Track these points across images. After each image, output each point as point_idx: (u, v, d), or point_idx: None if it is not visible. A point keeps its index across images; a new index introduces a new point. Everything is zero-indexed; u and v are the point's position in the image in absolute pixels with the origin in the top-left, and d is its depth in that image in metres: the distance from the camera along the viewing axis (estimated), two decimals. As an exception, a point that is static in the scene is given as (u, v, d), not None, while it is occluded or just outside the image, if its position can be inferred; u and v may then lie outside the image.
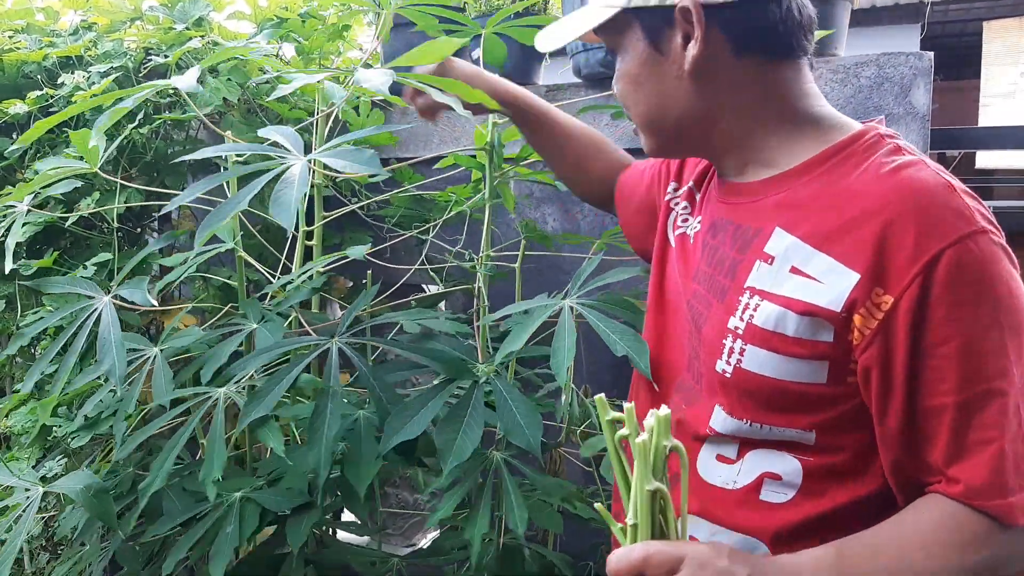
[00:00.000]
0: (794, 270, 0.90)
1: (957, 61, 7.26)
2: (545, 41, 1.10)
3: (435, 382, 1.34)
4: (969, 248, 0.81)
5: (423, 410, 1.26)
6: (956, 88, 7.09)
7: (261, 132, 1.38)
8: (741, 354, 0.94)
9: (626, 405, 0.79)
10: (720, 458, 1.00)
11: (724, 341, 0.96)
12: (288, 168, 1.22)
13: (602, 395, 0.83)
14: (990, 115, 6.21)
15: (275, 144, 1.31)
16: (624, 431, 0.80)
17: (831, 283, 0.86)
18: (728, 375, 0.95)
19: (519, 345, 1.25)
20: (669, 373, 1.12)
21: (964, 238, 0.81)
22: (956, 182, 0.86)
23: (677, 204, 1.18)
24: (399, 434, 1.23)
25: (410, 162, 2.00)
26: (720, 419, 0.98)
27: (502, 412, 1.27)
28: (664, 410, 0.79)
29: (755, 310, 0.93)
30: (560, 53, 2.24)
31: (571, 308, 1.30)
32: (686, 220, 1.14)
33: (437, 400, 1.28)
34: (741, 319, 0.94)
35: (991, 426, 0.81)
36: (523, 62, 2.16)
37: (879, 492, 0.91)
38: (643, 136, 1.07)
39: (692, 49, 0.93)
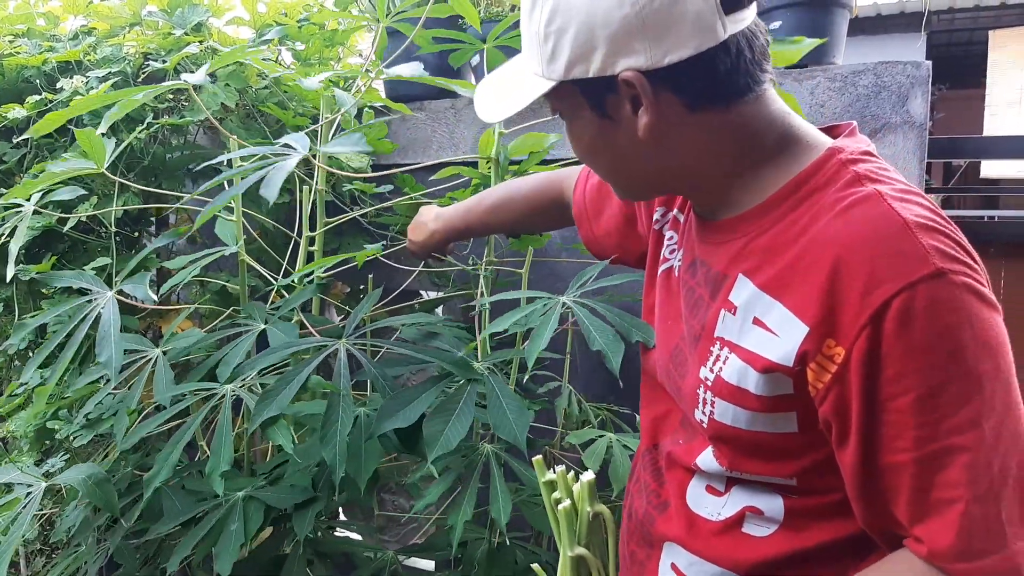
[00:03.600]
0: (756, 321, 0.86)
1: (963, 70, 7.27)
2: (488, 113, 1.00)
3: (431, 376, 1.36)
4: (920, 293, 0.74)
5: (417, 400, 1.28)
6: (962, 97, 7.12)
7: (283, 140, 1.46)
8: (712, 406, 0.91)
9: (559, 468, 0.78)
10: (710, 489, 0.99)
11: (698, 391, 0.94)
12: (287, 160, 1.36)
13: (539, 456, 0.83)
14: (996, 124, 6.22)
15: (287, 146, 1.43)
16: (557, 494, 0.79)
17: (785, 336, 0.82)
18: (704, 425, 0.94)
19: (503, 327, 1.29)
20: (659, 400, 1.12)
21: (916, 283, 0.74)
22: (917, 215, 0.79)
23: (665, 231, 1.13)
24: (391, 420, 1.25)
25: (409, 168, 2.00)
26: (707, 460, 0.97)
27: (492, 406, 1.28)
28: (589, 475, 0.77)
29: (724, 363, 0.90)
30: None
31: (562, 303, 1.32)
32: (672, 251, 1.10)
33: (432, 392, 1.30)
34: (711, 370, 0.91)
35: (955, 484, 0.75)
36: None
37: (863, 533, 0.87)
38: (612, 187, 1.04)
39: (643, 117, 0.87)
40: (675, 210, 1.12)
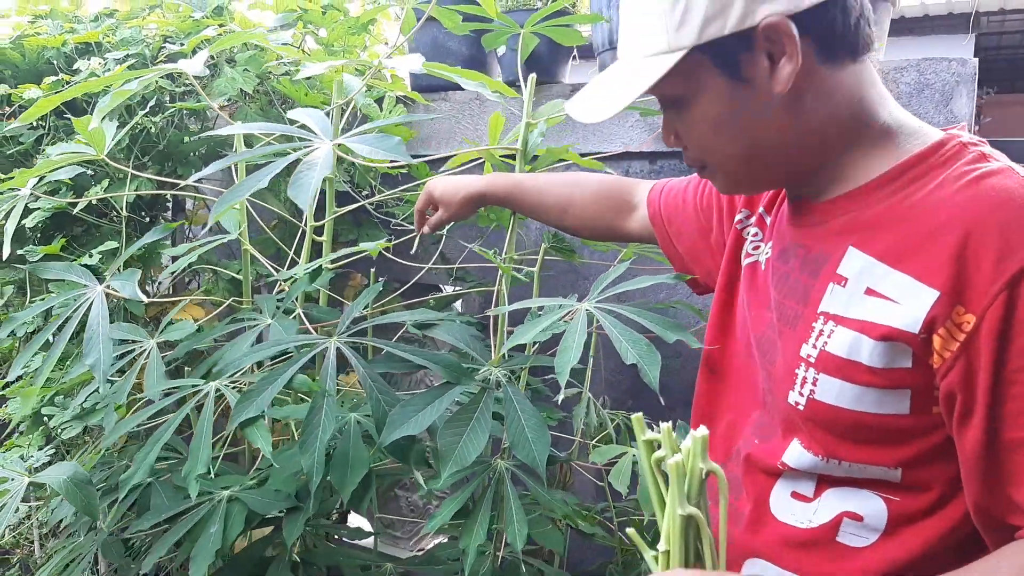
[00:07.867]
0: (869, 291, 0.84)
1: (1013, 74, 7.09)
2: (588, 112, 0.95)
3: (439, 383, 1.28)
4: None
5: (428, 408, 1.21)
6: (1011, 102, 6.92)
7: (290, 114, 1.36)
8: (814, 384, 0.88)
9: (663, 425, 0.73)
10: (796, 495, 0.94)
11: (796, 371, 0.90)
12: (312, 151, 1.23)
13: (640, 414, 0.78)
14: (1045, 129, 6.04)
15: (304, 127, 1.32)
16: (661, 453, 0.74)
17: (908, 302, 0.79)
18: (801, 407, 0.89)
19: (528, 338, 1.19)
20: (728, 408, 1.08)
21: None
22: None
23: (748, 231, 1.11)
24: (401, 429, 1.17)
25: (429, 159, 1.95)
26: (795, 454, 0.92)
27: (510, 421, 1.21)
28: (702, 431, 0.72)
29: (829, 336, 0.87)
30: (587, 54, 2.20)
31: (587, 311, 1.23)
32: (757, 247, 1.07)
33: (444, 399, 1.22)
34: (814, 346, 0.88)
35: None
36: (549, 60, 2.11)
37: (969, 535, 0.84)
38: (722, 177, 0.96)
39: (787, 67, 0.83)
40: (760, 209, 1.10)
